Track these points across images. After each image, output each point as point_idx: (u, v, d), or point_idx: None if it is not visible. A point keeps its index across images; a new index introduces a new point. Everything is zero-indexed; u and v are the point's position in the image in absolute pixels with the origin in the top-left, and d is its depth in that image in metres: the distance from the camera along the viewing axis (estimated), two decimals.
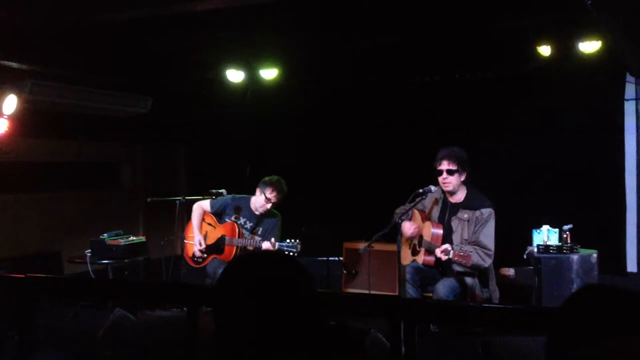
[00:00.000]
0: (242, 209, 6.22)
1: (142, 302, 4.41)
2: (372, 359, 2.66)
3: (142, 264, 7.00)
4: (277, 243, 5.85)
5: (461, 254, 4.82)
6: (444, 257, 4.94)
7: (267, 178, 6.09)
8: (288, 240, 5.85)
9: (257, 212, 6.15)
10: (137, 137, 8.92)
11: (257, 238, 6.08)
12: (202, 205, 6.26)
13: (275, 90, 7.90)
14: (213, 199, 6.21)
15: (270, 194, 6.01)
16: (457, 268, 5.08)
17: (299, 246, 5.79)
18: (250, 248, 6.04)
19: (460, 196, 5.33)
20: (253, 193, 6.18)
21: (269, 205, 6.06)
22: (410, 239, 5.49)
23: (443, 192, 5.36)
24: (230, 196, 6.27)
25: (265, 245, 5.87)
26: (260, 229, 6.18)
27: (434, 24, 6.18)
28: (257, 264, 1.51)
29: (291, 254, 5.74)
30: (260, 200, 6.07)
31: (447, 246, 4.95)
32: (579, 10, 5.31)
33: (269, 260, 1.52)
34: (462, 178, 5.28)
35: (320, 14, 5.83)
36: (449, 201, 5.37)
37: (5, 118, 6.68)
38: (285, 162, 8.34)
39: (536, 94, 7.41)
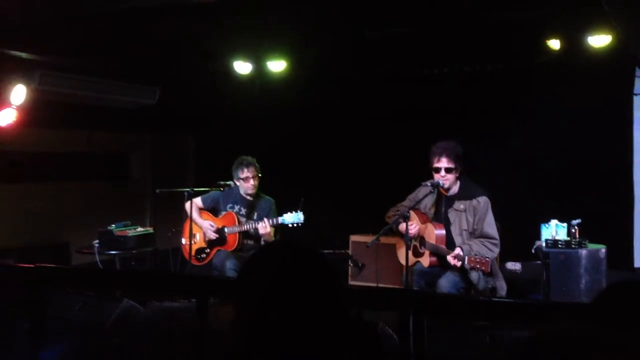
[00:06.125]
0: (233, 198, 6.26)
1: (151, 293, 4.42)
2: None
3: (149, 255, 7.01)
4: (279, 218, 5.87)
5: (477, 259, 4.78)
6: (457, 264, 4.93)
7: (232, 167, 6.18)
8: (290, 213, 5.86)
9: (248, 197, 6.21)
10: (145, 128, 8.93)
11: (253, 222, 6.11)
12: (194, 201, 6.26)
13: (283, 82, 7.88)
14: (222, 190, 6.23)
15: (244, 174, 6.10)
16: (467, 266, 5.05)
17: (301, 216, 5.81)
18: (252, 231, 6.07)
19: (454, 189, 5.33)
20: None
21: (252, 183, 6.12)
22: (410, 239, 5.45)
23: (440, 186, 5.34)
24: (219, 192, 6.29)
25: (260, 225, 5.89)
26: (256, 214, 6.22)
27: (442, 16, 6.14)
28: (279, 254, 1.51)
29: (296, 225, 5.79)
30: (243, 185, 6.15)
31: (458, 252, 4.93)
32: (589, 2, 5.28)
33: (290, 251, 1.52)
34: (458, 174, 5.29)
35: (329, 5, 5.80)
36: (444, 195, 5.36)
37: (14, 108, 6.69)
38: (292, 154, 8.34)
39: (545, 88, 7.38)
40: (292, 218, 5.82)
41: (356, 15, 6.06)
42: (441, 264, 5.21)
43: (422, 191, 5.43)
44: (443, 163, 5.21)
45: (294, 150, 8.40)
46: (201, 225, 6.26)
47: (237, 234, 6.09)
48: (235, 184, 6.25)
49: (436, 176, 5.26)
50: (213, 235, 6.22)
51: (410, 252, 5.41)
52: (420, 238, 5.37)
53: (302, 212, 5.81)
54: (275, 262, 1.49)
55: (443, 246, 5.13)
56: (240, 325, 1.43)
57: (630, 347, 1.24)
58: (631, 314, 1.29)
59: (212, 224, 6.26)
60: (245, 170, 6.11)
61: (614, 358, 1.25)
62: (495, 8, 5.89)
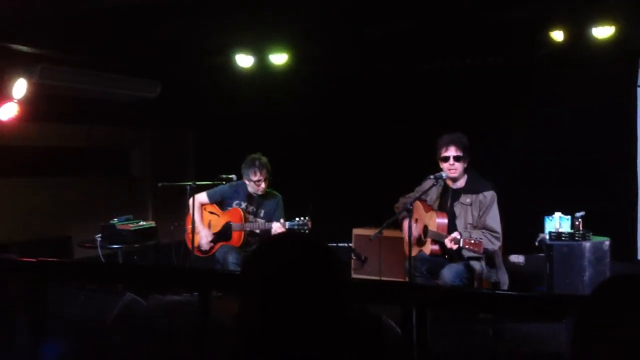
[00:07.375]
0: (241, 193, 6.21)
1: (153, 287, 4.41)
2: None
3: (151, 249, 7.01)
4: (286, 222, 5.84)
5: (472, 241, 4.78)
6: (454, 247, 4.91)
7: (243, 164, 6.04)
8: (297, 219, 5.83)
9: (256, 195, 6.16)
10: (146, 122, 8.92)
11: (261, 220, 6.08)
12: (198, 199, 6.20)
13: (285, 75, 7.86)
14: (223, 184, 6.21)
15: (255, 176, 5.98)
16: (466, 254, 5.05)
17: (309, 223, 5.78)
18: (257, 231, 6.05)
19: (461, 182, 5.31)
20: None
21: (262, 186, 6.04)
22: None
23: (443, 178, 5.32)
24: (227, 185, 6.25)
25: (275, 225, 5.85)
26: (262, 211, 6.18)
27: (444, 9, 6.11)
28: (285, 247, 1.50)
29: (302, 231, 5.76)
30: (252, 186, 6.07)
31: (456, 235, 4.92)
32: None
33: (297, 243, 1.50)
34: (466, 164, 5.26)
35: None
36: (450, 187, 5.34)
37: (15, 102, 6.69)
38: (294, 148, 8.32)
39: (549, 80, 7.36)
40: (299, 224, 5.80)
41: (359, 9, 6.03)
42: (443, 253, 5.20)
43: (427, 183, 5.40)
44: (451, 152, 5.18)
45: (296, 144, 8.38)
46: (199, 232, 6.20)
47: (243, 231, 6.07)
48: (232, 182, 6.22)
49: (444, 166, 5.22)
50: (205, 246, 6.19)
51: (414, 242, 5.42)
52: (424, 227, 5.36)
53: (309, 220, 5.79)
54: (281, 254, 1.48)
55: (444, 233, 5.12)
56: (243, 319, 1.42)
57: (629, 339, 1.23)
58: (630, 306, 1.28)
59: (209, 234, 6.21)
60: (258, 173, 5.95)
61: (613, 351, 1.25)
62: (498, 1, 5.86)
